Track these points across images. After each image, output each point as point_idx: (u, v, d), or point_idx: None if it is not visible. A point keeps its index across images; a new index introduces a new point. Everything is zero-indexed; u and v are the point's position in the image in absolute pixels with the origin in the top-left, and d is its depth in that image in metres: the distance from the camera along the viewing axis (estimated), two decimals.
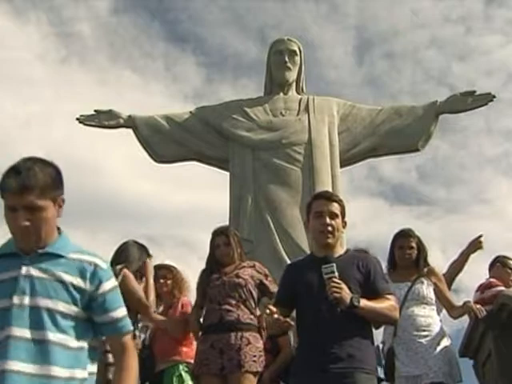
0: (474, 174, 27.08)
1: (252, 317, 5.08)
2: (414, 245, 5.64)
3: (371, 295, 3.68)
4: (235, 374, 4.83)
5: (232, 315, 4.99)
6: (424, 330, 5.31)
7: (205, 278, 5.31)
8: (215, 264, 5.34)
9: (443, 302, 5.62)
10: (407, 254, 5.62)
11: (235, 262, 5.29)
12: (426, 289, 5.50)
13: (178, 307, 5.75)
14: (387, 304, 3.72)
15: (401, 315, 5.25)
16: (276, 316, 3.63)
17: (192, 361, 5.33)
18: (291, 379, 3.89)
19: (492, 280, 6.48)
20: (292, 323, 3.71)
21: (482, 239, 6.18)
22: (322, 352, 3.57)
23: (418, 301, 5.42)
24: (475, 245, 6.17)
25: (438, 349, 5.28)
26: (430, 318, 5.42)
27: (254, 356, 4.88)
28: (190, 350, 5.61)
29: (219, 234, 5.40)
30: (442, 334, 5.40)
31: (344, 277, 3.60)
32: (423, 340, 5.26)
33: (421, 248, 5.66)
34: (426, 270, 5.60)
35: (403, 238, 5.67)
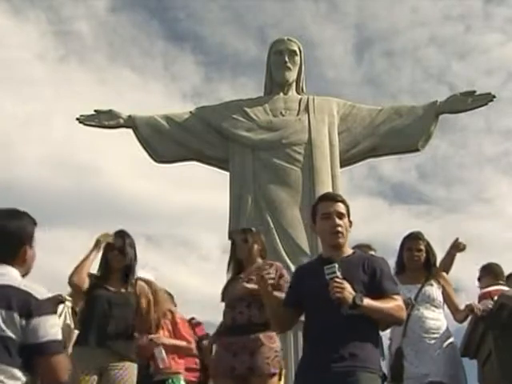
0: (473, 174, 27.13)
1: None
2: (422, 247, 5.65)
3: (377, 295, 3.67)
4: (248, 377, 4.83)
5: (244, 317, 4.99)
6: (433, 333, 5.32)
7: (227, 286, 5.34)
8: (237, 265, 5.36)
9: (449, 305, 5.64)
10: (416, 257, 5.63)
11: (255, 261, 5.28)
12: (436, 291, 5.52)
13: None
14: (393, 304, 3.69)
15: (410, 317, 5.29)
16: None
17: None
18: (296, 377, 3.91)
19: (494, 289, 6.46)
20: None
21: (460, 241, 6.01)
22: (325, 351, 3.57)
23: (427, 303, 5.45)
24: (456, 247, 5.99)
25: (446, 352, 5.31)
26: (439, 320, 5.44)
27: (267, 358, 4.85)
28: (185, 362, 6.00)
29: (237, 233, 5.50)
30: (448, 337, 5.42)
31: (348, 277, 3.59)
32: (432, 342, 5.28)
33: (430, 251, 5.67)
34: (434, 273, 5.61)
35: (412, 240, 5.68)
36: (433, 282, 5.57)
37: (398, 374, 5.27)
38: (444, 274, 5.76)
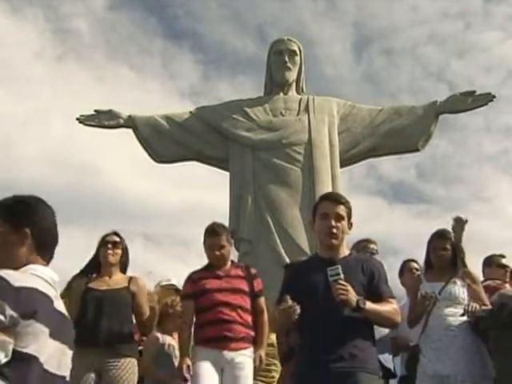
0: (473, 172, 27.10)
1: None
2: (448, 246, 5.65)
3: (374, 298, 3.70)
4: None
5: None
6: (454, 330, 5.32)
7: None
8: None
9: (477, 303, 5.61)
10: (441, 256, 5.64)
11: None
12: (459, 289, 5.50)
13: None
14: (390, 307, 3.76)
15: (431, 314, 5.32)
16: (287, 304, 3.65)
17: None
18: (293, 377, 3.92)
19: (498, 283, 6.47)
20: (298, 310, 3.62)
21: (459, 216, 6.03)
22: (325, 351, 3.60)
23: (450, 301, 5.44)
24: (459, 221, 5.98)
25: (469, 349, 5.27)
26: (461, 317, 5.41)
27: None
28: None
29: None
30: (472, 334, 5.38)
31: (348, 279, 3.62)
32: (453, 340, 5.25)
33: (456, 249, 5.68)
34: (461, 271, 5.62)
35: (438, 239, 5.68)
36: (456, 280, 5.56)
37: (412, 370, 5.33)
38: (472, 272, 5.71)
